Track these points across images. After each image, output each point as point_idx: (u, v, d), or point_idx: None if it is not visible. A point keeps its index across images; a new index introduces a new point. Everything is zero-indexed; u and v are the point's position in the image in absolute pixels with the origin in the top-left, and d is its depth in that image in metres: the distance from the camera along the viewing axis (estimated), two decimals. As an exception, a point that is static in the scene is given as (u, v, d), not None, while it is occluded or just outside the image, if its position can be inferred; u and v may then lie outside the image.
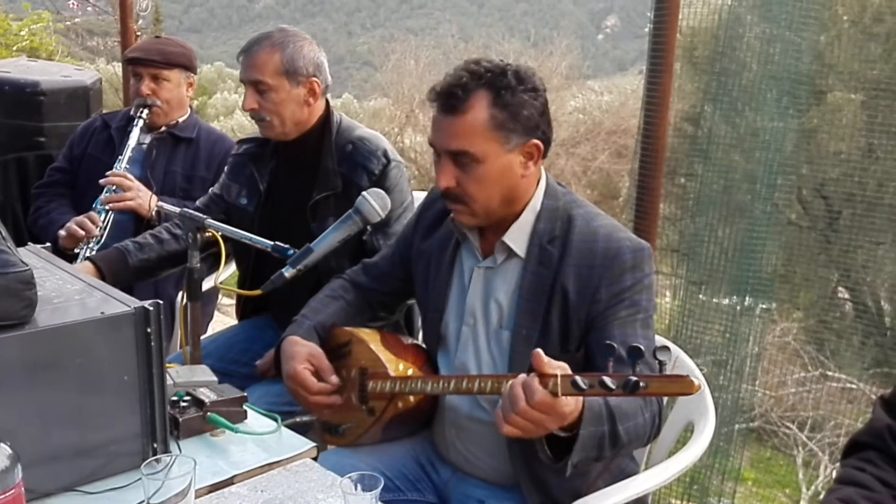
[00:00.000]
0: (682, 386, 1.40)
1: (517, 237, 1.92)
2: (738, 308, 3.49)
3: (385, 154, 2.54)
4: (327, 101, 2.68)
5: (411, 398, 1.95)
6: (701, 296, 3.58)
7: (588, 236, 1.87)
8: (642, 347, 1.42)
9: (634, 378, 1.40)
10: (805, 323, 4.83)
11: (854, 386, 4.32)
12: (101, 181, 2.88)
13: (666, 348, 1.44)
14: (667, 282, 4.00)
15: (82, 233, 2.77)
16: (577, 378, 1.46)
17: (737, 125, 3.58)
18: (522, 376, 1.53)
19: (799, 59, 3.42)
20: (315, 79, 2.57)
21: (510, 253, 1.93)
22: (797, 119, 3.68)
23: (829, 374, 4.49)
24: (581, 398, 1.56)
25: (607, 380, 1.42)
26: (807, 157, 4.19)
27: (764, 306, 3.63)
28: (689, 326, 3.55)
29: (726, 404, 3.49)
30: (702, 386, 1.44)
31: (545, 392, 1.48)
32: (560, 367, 1.51)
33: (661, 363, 1.42)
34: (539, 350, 1.54)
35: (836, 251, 3.97)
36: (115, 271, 2.48)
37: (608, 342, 1.48)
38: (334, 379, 2.02)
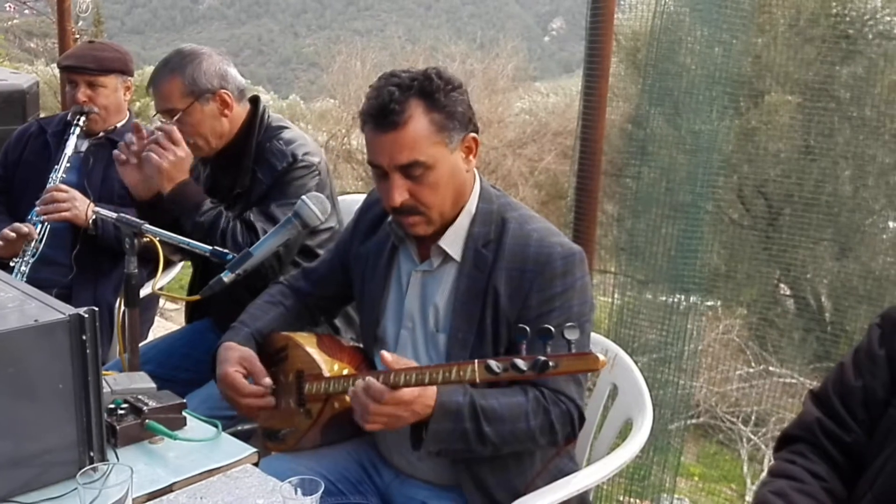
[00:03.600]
0: (589, 362, 1.50)
1: (453, 241, 1.93)
2: (682, 305, 3.54)
3: (293, 154, 2.52)
4: (255, 101, 2.67)
5: (347, 398, 1.95)
6: (647, 294, 3.63)
7: (521, 240, 1.89)
8: (552, 328, 1.48)
9: (543, 358, 1.48)
10: (748, 319, 4.92)
11: (796, 381, 4.42)
12: (37, 203, 2.82)
13: (574, 327, 1.49)
14: (613, 280, 4.04)
15: (13, 235, 2.72)
16: (491, 362, 1.54)
17: (678, 126, 3.64)
18: (359, 382, 1.71)
19: (737, 61, 3.49)
20: (223, 90, 2.57)
21: (446, 257, 1.94)
22: (736, 120, 3.75)
23: (772, 369, 4.58)
24: (429, 389, 1.71)
25: (519, 362, 1.51)
26: (747, 157, 4.28)
27: (708, 303, 3.69)
28: (634, 324, 3.60)
29: (670, 401, 3.54)
30: (607, 362, 1.55)
31: (385, 388, 1.67)
32: (406, 362, 1.72)
33: (570, 342, 1.48)
34: (382, 352, 1.71)
35: (776, 249, 4.05)
36: None
37: (521, 325, 1.54)
38: (267, 381, 2.01)
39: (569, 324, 1.50)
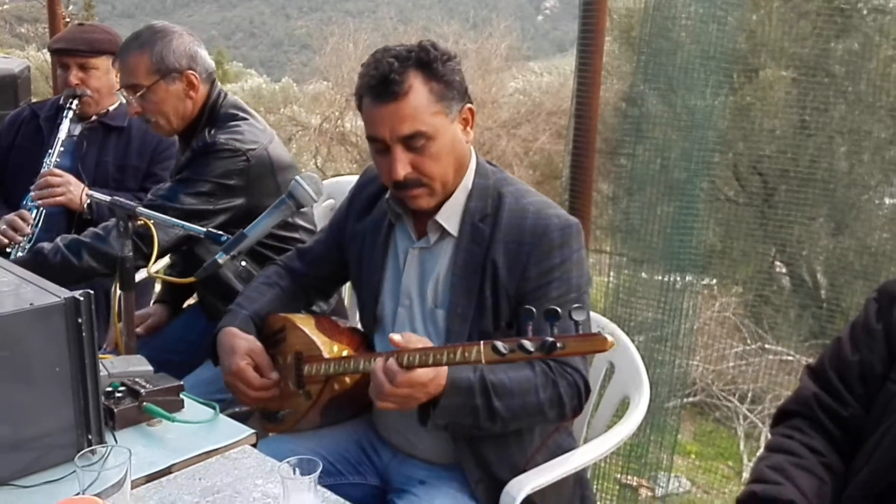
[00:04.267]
0: (596, 343, 1.48)
1: (450, 216, 1.93)
2: (678, 284, 3.55)
3: (215, 137, 2.48)
4: (213, 85, 2.64)
5: (347, 379, 1.95)
6: (642, 273, 3.63)
7: (518, 213, 1.89)
8: (559, 310, 1.47)
9: (551, 339, 1.47)
10: (743, 297, 4.92)
11: (792, 357, 4.43)
12: (32, 188, 2.81)
13: (580, 308, 1.49)
14: (608, 260, 4.04)
15: (13, 233, 2.72)
16: (497, 343, 1.53)
17: (673, 104, 3.62)
18: (379, 362, 1.69)
19: (731, 37, 3.47)
20: (191, 71, 2.55)
21: (443, 232, 1.94)
22: (731, 97, 3.74)
23: (768, 346, 4.60)
24: (442, 370, 1.70)
25: (526, 343, 1.49)
26: (742, 134, 4.27)
27: (704, 282, 3.69)
28: (630, 303, 3.60)
29: (667, 379, 3.55)
30: (615, 343, 1.52)
31: (402, 371, 1.65)
32: (420, 341, 1.69)
33: (577, 323, 1.47)
34: (391, 335, 1.69)
35: (772, 226, 4.06)
36: None
37: (527, 306, 1.53)
38: (274, 375, 2.01)
39: (575, 305, 1.50)
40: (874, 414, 1.64)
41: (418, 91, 1.81)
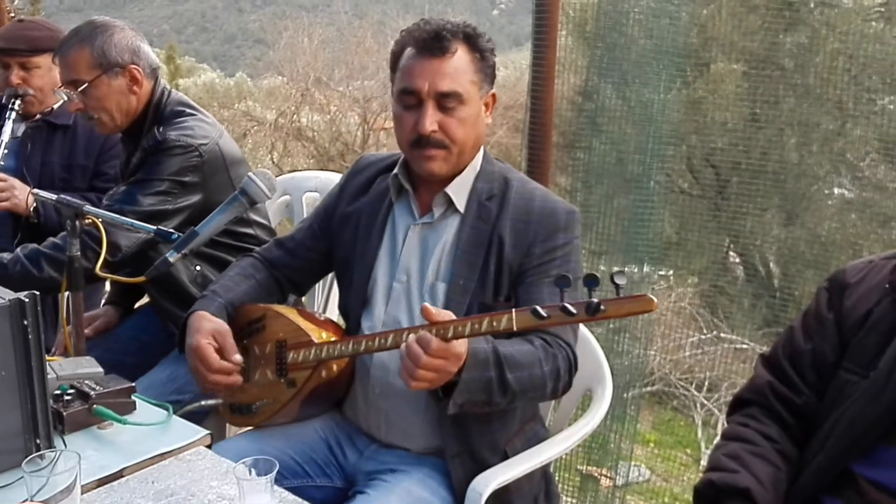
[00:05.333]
0: (644, 303, 1.51)
1: (458, 191, 2.00)
2: (636, 275, 3.57)
3: (166, 135, 2.46)
4: (156, 81, 2.60)
5: (334, 367, 1.94)
6: (601, 265, 3.65)
7: (525, 195, 1.99)
8: (598, 275, 1.50)
9: (596, 301, 1.50)
10: (699, 287, 4.97)
11: (746, 346, 4.49)
12: None
13: (622, 272, 1.51)
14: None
15: None
16: (538, 308, 1.56)
17: (627, 98, 3.65)
18: (413, 335, 1.66)
19: (683, 32, 3.51)
20: (134, 65, 2.51)
21: (449, 207, 2.00)
22: (684, 90, 3.77)
23: (723, 335, 4.65)
24: (466, 342, 1.68)
25: (569, 306, 1.52)
26: (694, 127, 4.31)
27: (660, 273, 3.73)
28: (590, 296, 3.61)
29: (625, 370, 3.58)
30: (657, 303, 1.52)
31: (438, 340, 1.63)
32: (447, 314, 1.68)
33: (618, 286, 1.49)
34: (425, 304, 1.68)
35: (725, 217, 4.10)
36: None
37: (563, 274, 1.55)
38: (237, 358, 1.98)
39: (616, 269, 1.52)
40: (827, 401, 1.67)
41: (463, 56, 1.92)
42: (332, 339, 1.98)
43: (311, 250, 2.22)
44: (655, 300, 1.49)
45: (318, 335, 1.97)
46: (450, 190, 1.99)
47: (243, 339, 2.05)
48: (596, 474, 3.82)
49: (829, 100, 3.83)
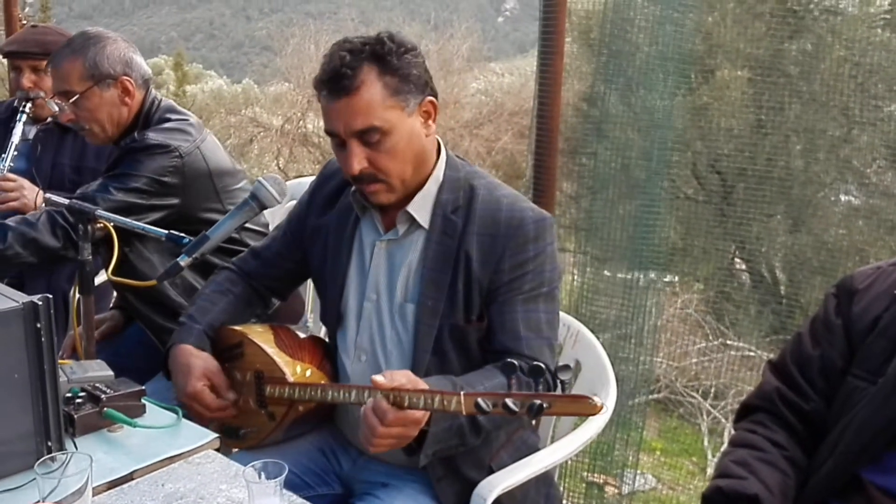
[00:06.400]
0: (584, 407, 1.43)
1: (420, 207, 1.91)
2: (640, 282, 3.57)
3: (144, 135, 2.46)
4: (148, 91, 2.60)
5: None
6: (605, 271, 3.65)
7: (491, 205, 1.88)
8: (543, 367, 1.45)
9: (538, 402, 1.42)
10: (705, 294, 4.97)
11: (753, 353, 4.48)
12: None
13: (567, 367, 1.47)
14: (571, 258, 4.06)
15: None
16: (480, 400, 1.49)
17: (632, 104, 3.66)
18: (370, 403, 1.61)
19: (687, 38, 3.52)
20: (126, 77, 2.51)
21: (413, 223, 1.92)
22: (688, 97, 3.78)
23: (730, 342, 4.64)
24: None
25: (510, 402, 1.45)
26: (699, 133, 4.32)
27: (666, 279, 3.73)
28: (594, 301, 3.62)
29: (631, 376, 3.58)
30: (604, 406, 1.49)
31: (395, 409, 1.58)
32: (400, 378, 1.61)
33: (563, 383, 1.45)
34: (374, 376, 1.61)
35: (731, 224, 4.10)
36: None
37: (510, 360, 1.49)
38: (231, 395, 1.98)
39: (561, 364, 1.48)
40: (835, 407, 1.67)
41: (371, 85, 1.78)
42: (308, 372, 1.95)
43: (287, 259, 2.19)
44: (599, 403, 1.42)
45: (293, 369, 1.93)
46: (411, 208, 1.90)
47: (225, 362, 2.02)
48: (601, 482, 3.81)
49: (835, 106, 3.83)
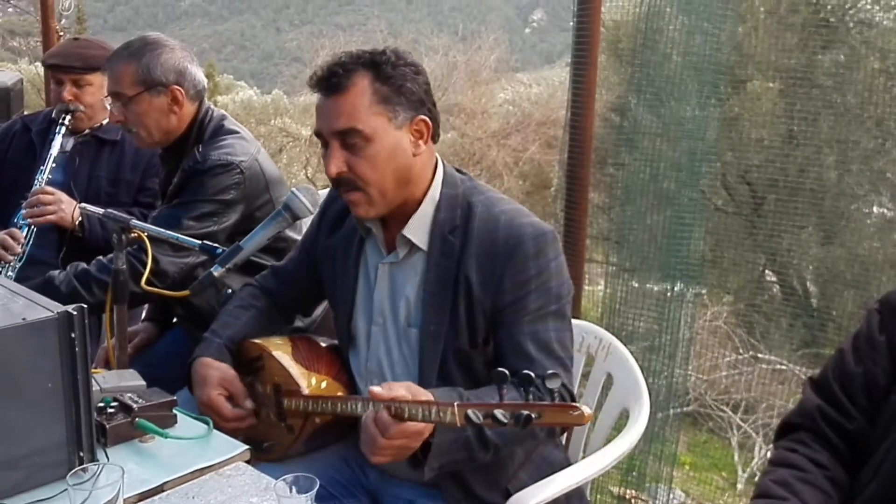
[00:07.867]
0: (573, 417, 1.40)
1: (417, 229, 1.87)
2: (669, 293, 3.55)
3: (206, 156, 2.47)
4: (201, 102, 2.61)
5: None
6: (633, 282, 3.63)
7: (489, 223, 1.83)
8: (532, 375, 1.41)
9: (526, 412, 1.40)
10: (735, 306, 4.92)
11: (784, 367, 4.42)
12: (23, 206, 2.79)
13: (555, 375, 1.43)
14: (599, 269, 4.05)
15: (3, 252, 2.70)
16: (470, 412, 1.47)
17: (661, 115, 3.64)
18: (371, 413, 1.60)
19: (718, 49, 3.50)
20: (177, 87, 2.52)
21: (412, 246, 1.88)
22: (719, 108, 3.76)
23: (760, 356, 4.59)
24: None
25: (499, 413, 1.42)
26: (730, 144, 4.29)
27: (694, 291, 3.70)
28: (623, 313, 3.60)
29: (661, 389, 3.55)
30: (591, 415, 1.44)
31: (395, 422, 1.56)
32: (398, 388, 1.59)
33: (552, 391, 1.42)
34: (372, 387, 1.59)
35: (761, 235, 4.07)
36: None
37: (500, 370, 1.46)
38: (249, 404, 1.97)
39: (549, 372, 1.44)
40: (879, 426, 1.62)
41: (361, 89, 1.76)
42: (324, 383, 1.95)
43: (303, 279, 2.18)
44: (588, 413, 1.39)
45: (308, 382, 1.93)
46: (407, 231, 1.86)
47: (247, 375, 2.03)
48: (630, 497, 3.78)
49: (870, 118, 3.79)
